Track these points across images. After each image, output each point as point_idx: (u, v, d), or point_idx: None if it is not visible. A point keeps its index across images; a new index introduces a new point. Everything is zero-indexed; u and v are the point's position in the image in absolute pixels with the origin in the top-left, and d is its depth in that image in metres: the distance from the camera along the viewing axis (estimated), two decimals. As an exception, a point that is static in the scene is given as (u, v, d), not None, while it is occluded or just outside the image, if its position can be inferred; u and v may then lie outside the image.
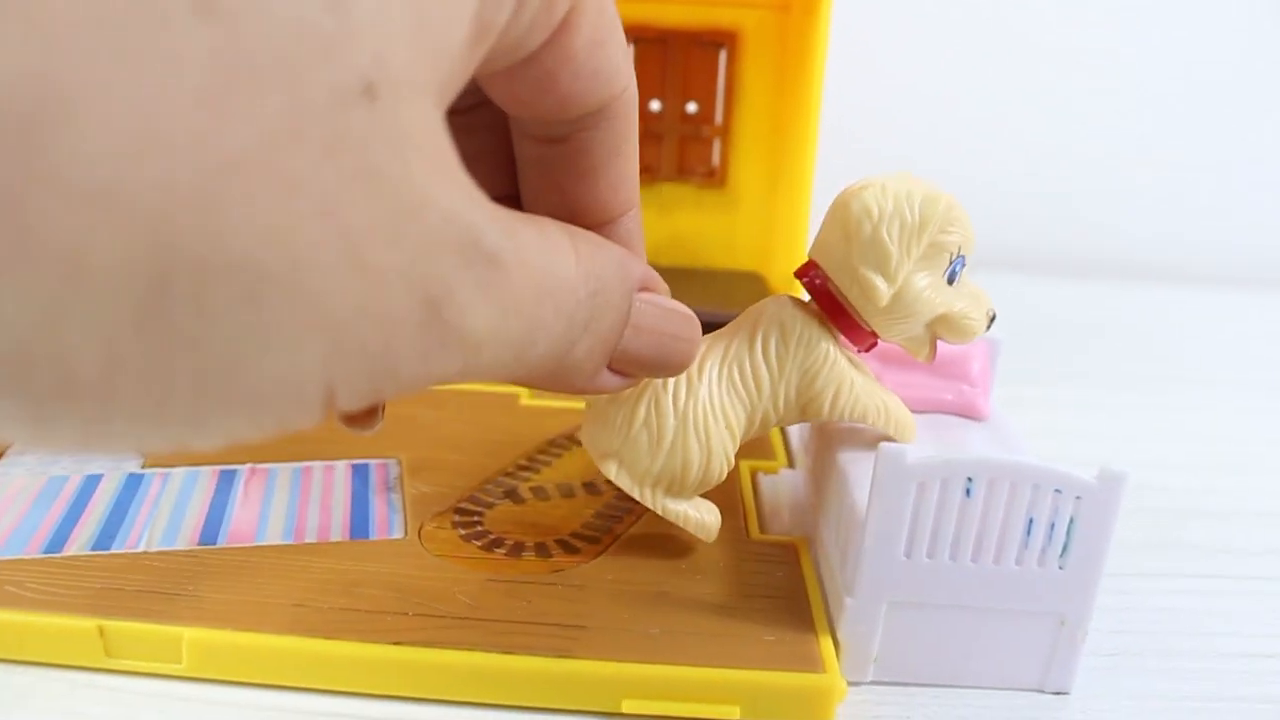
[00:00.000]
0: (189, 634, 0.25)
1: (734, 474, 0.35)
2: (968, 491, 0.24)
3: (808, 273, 0.27)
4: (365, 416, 0.22)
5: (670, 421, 0.27)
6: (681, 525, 0.29)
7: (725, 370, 0.27)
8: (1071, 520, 0.25)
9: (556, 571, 0.29)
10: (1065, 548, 0.25)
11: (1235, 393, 0.53)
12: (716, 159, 0.50)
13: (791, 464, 0.37)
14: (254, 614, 0.26)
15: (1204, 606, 0.32)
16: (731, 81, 0.47)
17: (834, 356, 0.27)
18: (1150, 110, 0.74)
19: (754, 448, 0.38)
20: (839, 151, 0.52)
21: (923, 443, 0.30)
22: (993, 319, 0.28)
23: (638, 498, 0.28)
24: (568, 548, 0.30)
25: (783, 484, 0.35)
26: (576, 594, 0.28)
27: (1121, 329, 0.64)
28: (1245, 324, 0.66)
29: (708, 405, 0.27)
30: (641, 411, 0.27)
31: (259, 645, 0.25)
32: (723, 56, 0.47)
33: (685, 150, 0.50)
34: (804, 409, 0.28)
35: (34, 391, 0.13)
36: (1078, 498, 0.24)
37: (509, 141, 0.26)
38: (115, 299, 0.13)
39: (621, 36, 0.23)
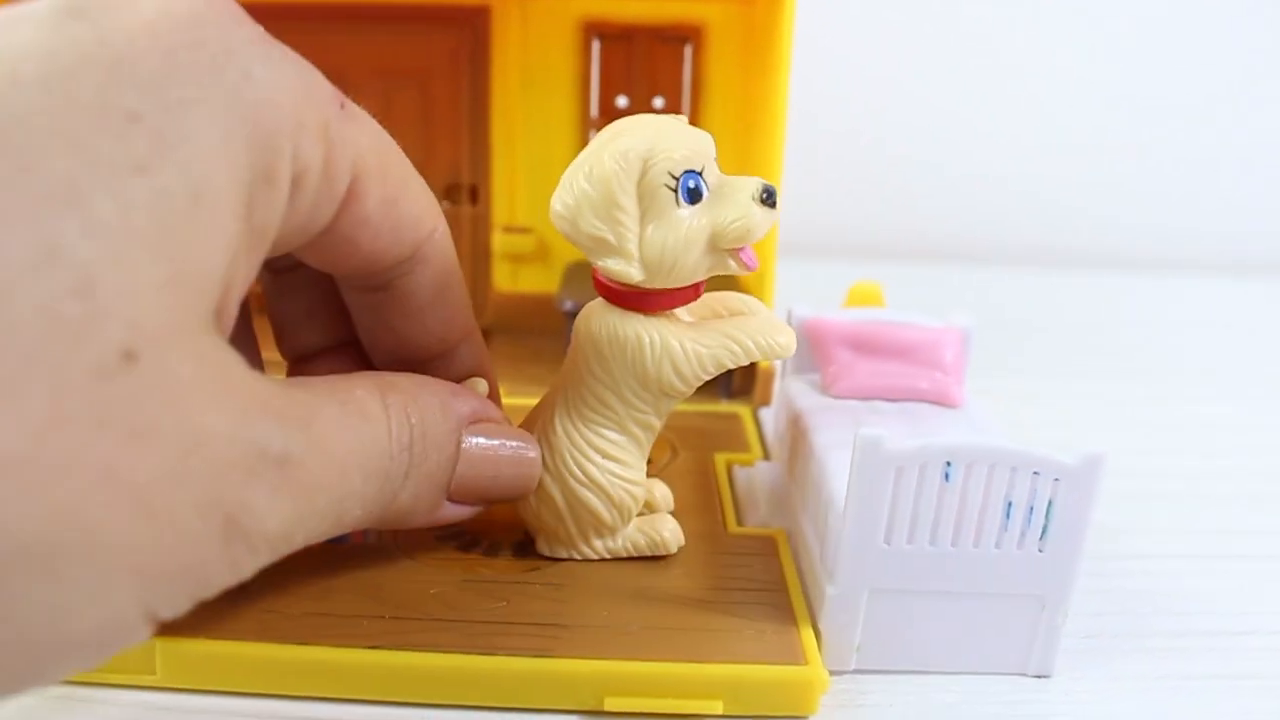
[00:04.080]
0: (161, 644, 0.25)
1: (710, 468, 0.35)
2: (946, 476, 0.24)
3: (594, 274, 0.27)
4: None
5: (552, 485, 0.27)
6: (639, 554, 0.29)
7: (571, 410, 0.27)
8: (1050, 503, 0.25)
9: (534, 570, 0.28)
10: (1045, 530, 0.25)
11: (1202, 379, 0.53)
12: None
13: (767, 456, 0.37)
14: (227, 622, 0.25)
15: (1178, 587, 0.32)
16: (698, 76, 0.47)
17: (646, 335, 0.26)
18: (1120, 98, 0.75)
19: (729, 441, 0.38)
20: (808, 144, 0.52)
21: (898, 430, 0.30)
22: (768, 195, 0.25)
23: (582, 558, 0.29)
24: (545, 546, 0.30)
25: (758, 476, 0.35)
26: (555, 592, 0.27)
27: (1088, 319, 0.64)
28: (1209, 312, 0.67)
29: (573, 453, 0.27)
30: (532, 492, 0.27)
31: (233, 653, 0.25)
32: (688, 51, 0.47)
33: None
34: (665, 393, 0.27)
35: None
36: (1056, 480, 0.24)
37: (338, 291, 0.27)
38: None
39: (418, 185, 0.24)
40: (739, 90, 0.47)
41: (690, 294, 0.27)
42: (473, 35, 0.45)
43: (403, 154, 0.24)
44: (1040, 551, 0.25)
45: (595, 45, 0.47)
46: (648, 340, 0.26)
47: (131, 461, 0.15)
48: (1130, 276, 0.72)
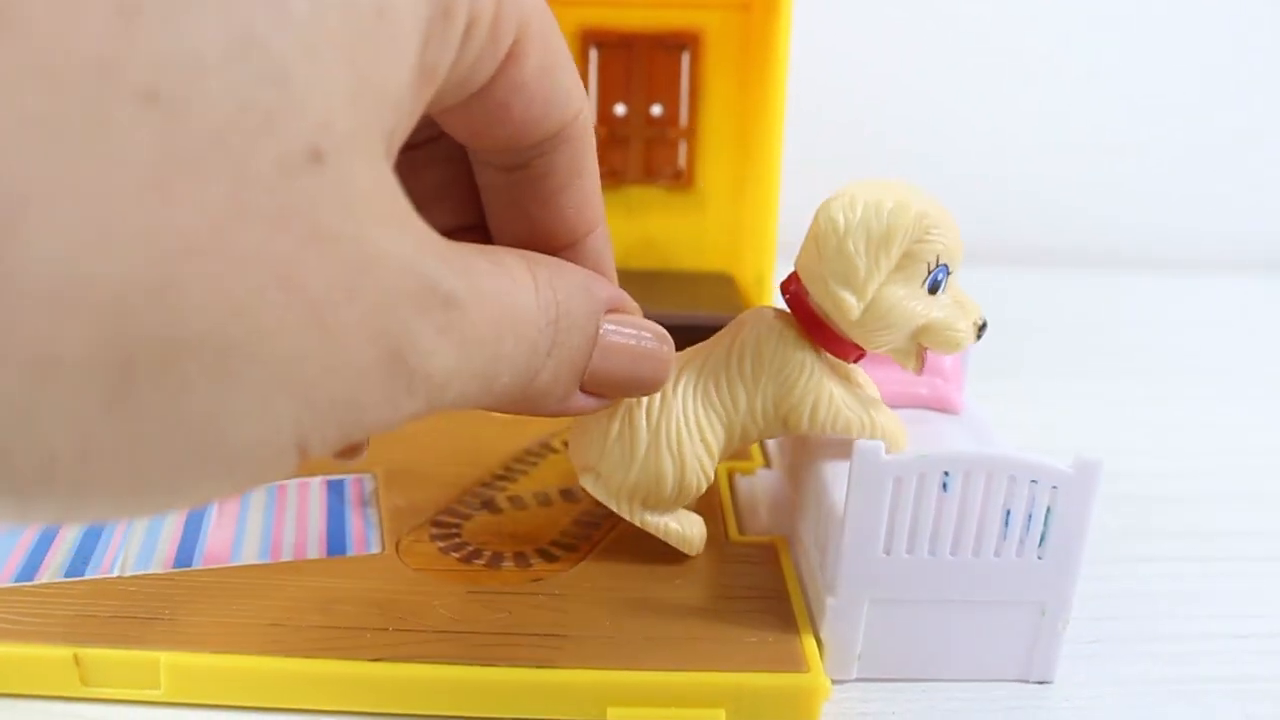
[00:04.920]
0: (166, 658, 0.25)
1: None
2: (944, 485, 0.24)
3: (789, 286, 0.27)
4: (350, 450, 0.22)
5: (643, 436, 0.27)
6: (662, 538, 0.29)
7: (700, 385, 0.27)
8: (1049, 510, 0.25)
9: (536, 581, 0.28)
10: (1043, 537, 0.25)
11: (1204, 378, 0.53)
12: (683, 161, 0.50)
13: (768, 464, 0.37)
14: (232, 635, 0.26)
15: (1179, 590, 0.32)
16: (695, 83, 0.47)
17: (810, 367, 0.27)
18: (1120, 97, 0.75)
19: (730, 448, 0.38)
20: (806, 150, 0.53)
21: (898, 438, 0.30)
22: (982, 328, 0.27)
23: (615, 510, 0.28)
24: (547, 556, 0.30)
25: (759, 484, 0.35)
26: (557, 603, 0.27)
27: (1088, 319, 0.64)
28: (1210, 311, 0.67)
29: (681, 420, 0.27)
30: (615, 426, 0.27)
31: (238, 667, 0.25)
32: (685, 58, 0.47)
33: (651, 153, 0.50)
34: (784, 421, 0.27)
35: (13, 478, 0.14)
36: (1054, 487, 0.24)
37: (470, 171, 0.26)
38: (85, 388, 0.13)
39: (570, 61, 0.23)
40: (737, 96, 0.47)
41: (856, 355, 0.28)
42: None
43: (559, 29, 0.23)
44: (1039, 559, 0.25)
45: (593, 54, 0.47)
46: (810, 371, 0.27)
47: (309, 267, 0.15)
48: (1130, 276, 0.72)
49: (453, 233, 0.27)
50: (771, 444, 0.38)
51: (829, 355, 0.27)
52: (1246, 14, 0.72)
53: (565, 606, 0.27)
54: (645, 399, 0.27)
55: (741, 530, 0.32)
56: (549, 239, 0.26)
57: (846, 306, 0.25)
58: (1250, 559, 0.34)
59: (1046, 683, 0.27)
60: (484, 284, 0.19)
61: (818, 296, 0.26)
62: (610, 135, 0.48)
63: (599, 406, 0.25)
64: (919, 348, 0.27)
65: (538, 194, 0.25)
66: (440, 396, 0.18)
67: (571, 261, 0.25)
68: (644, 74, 0.47)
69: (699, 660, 0.25)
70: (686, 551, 0.29)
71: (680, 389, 0.27)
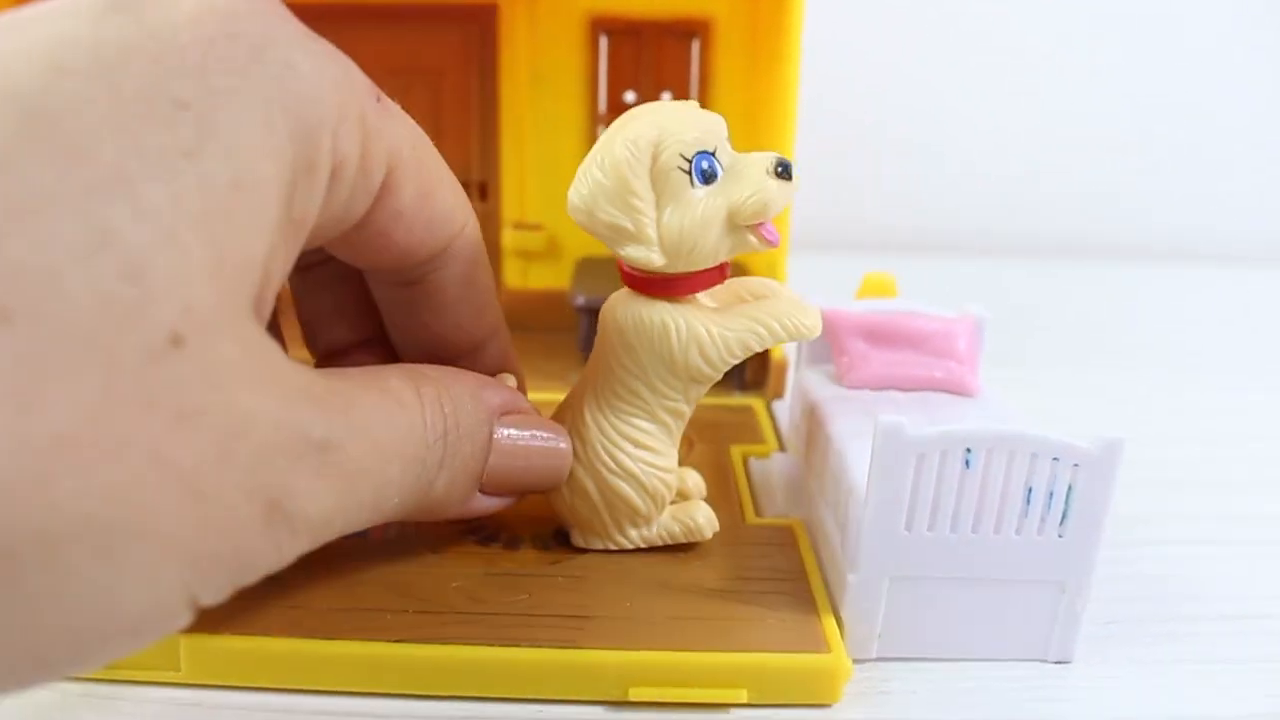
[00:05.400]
0: (186, 640, 0.25)
1: (727, 460, 0.35)
2: (967, 463, 0.24)
3: (618, 264, 0.27)
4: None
5: (585, 476, 0.27)
6: (672, 541, 0.29)
7: (602, 400, 0.27)
8: (1070, 488, 0.25)
9: (555, 563, 0.28)
10: (1064, 516, 0.25)
11: (1218, 367, 0.53)
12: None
13: (782, 447, 0.37)
14: (252, 617, 0.26)
15: (1196, 572, 0.32)
16: (705, 71, 0.47)
17: (672, 321, 0.26)
18: (1133, 89, 0.75)
19: (744, 433, 0.38)
20: (818, 137, 0.52)
21: (915, 419, 0.30)
22: (783, 168, 0.25)
23: (617, 548, 0.29)
24: (565, 538, 0.30)
25: (774, 467, 0.35)
26: (577, 584, 0.27)
27: (1100, 309, 0.64)
28: (1223, 300, 0.67)
29: (605, 442, 0.27)
30: (564, 485, 0.28)
31: (258, 648, 0.25)
32: (695, 46, 0.47)
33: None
34: (691, 379, 0.27)
35: None
36: (1076, 465, 0.24)
37: (368, 287, 0.27)
38: None
39: (450, 179, 0.24)
40: (747, 84, 0.47)
41: (715, 276, 0.26)
42: (480, 33, 0.45)
43: (435, 149, 0.24)
44: (1060, 537, 0.25)
45: (603, 41, 0.47)
46: (674, 326, 0.26)
47: (179, 444, 0.16)
48: (1142, 266, 0.72)
49: (355, 346, 0.29)
50: (786, 428, 0.38)
51: (687, 301, 0.26)
52: (1266, 4, 0.72)
53: (585, 588, 0.27)
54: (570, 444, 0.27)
55: (759, 513, 0.32)
56: (448, 346, 0.27)
57: (644, 260, 0.25)
58: (1268, 542, 0.34)
59: (1065, 662, 0.27)
60: (364, 417, 0.20)
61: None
62: (620, 123, 0.48)
63: (504, 505, 0.26)
64: (745, 231, 0.25)
65: (432, 307, 0.26)
66: (327, 531, 0.20)
67: (471, 366, 0.27)
68: (653, 61, 0.47)
69: (720, 641, 0.25)
70: (700, 539, 0.29)
71: (588, 414, 0.27)
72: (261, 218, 0.18)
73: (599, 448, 0.27)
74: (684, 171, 0.24)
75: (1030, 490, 0.25)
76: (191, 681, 0.25)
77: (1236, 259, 0.75)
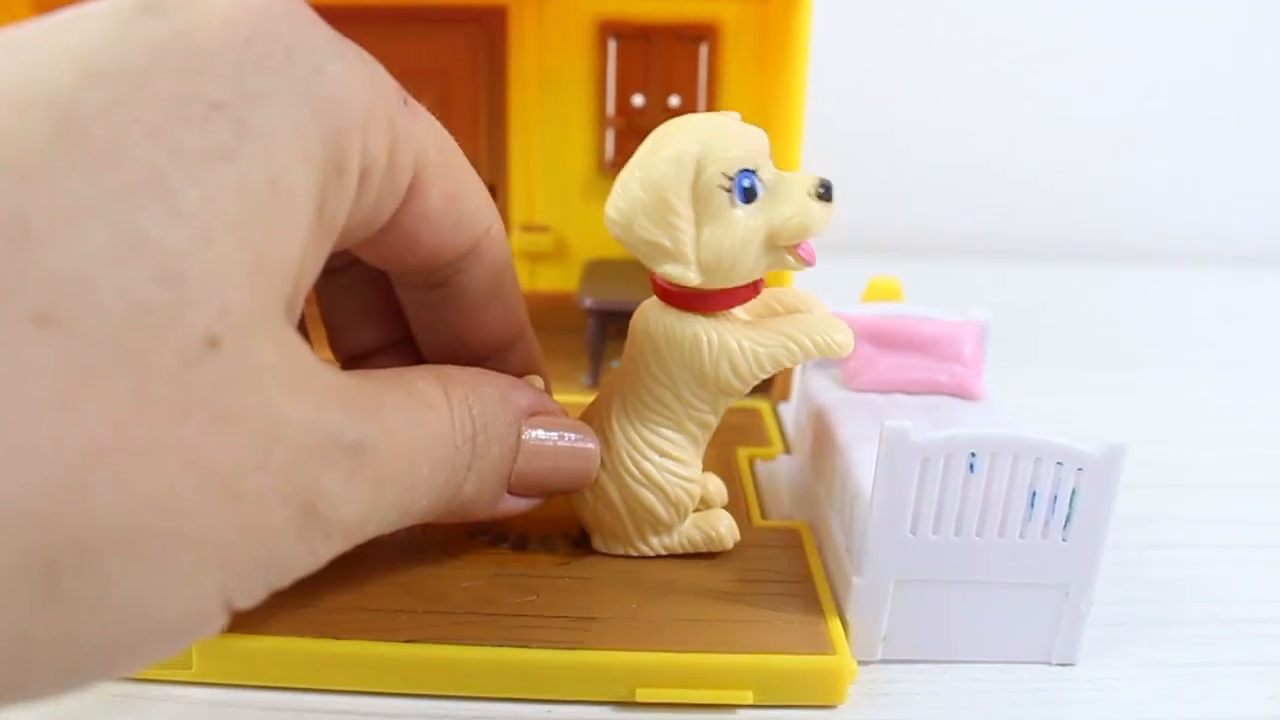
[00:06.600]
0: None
1: (733, 462, 0.35)
2: (971, 467, 0.25)
3: (651, 275, 0.26)
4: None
5: (609, 485, 0.28)
6: (693, 550, 0.29)
7: (630, 409, 0.27)
8: (1074, 492, 0.25)
9: (563, 565, 0.29)
10: (1068, 519, 0.25)
11: (1222, 370, 0.53)
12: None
13: (788, 450, 0.37)
14: (263, 616, 0.26)
15: (1201, 575, 0.32)
16: (714, 74, 0.47)
17: (704, 335, 0.26)
18: (1137, 91, 0.74)
19: (750, 436, 0.38)
20: (824, 141, 0.53)
21: (921, 423, 0.30)
22: (824, 190, 0.25)
23: (638, 555, 0.29)
24: (573, 540, 0.30)
25: (780, 470, 0.35)
26: (585, 586, 0.28)
27: (1104, 312, 0.64)
28: (1227, 303, 0.67)
29: (632, 451, 0.27)
30: (588, 489, 0.28)
31: (269, 648, 0.25)
32: (704, 50, 0.47)
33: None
34: (720, 391, 0.27)
35: None
36: (1079, 469, 0.25)
37: (394, 290, 0.27)
38: (16, 594, 0.14)
39: (476, 181, 0.25)
40: (755, 88, 0.47)
41: (748, 293, 0.26)
42: (489, 36, 0.45)
43: (460, 151, 0.24)
44: (1064, 541, 0.25)
45: (611, 44, 0.47)
46: (705, 340, 0.26)
47: (215, 447, 0.16)
48: (1147, 269, 0.72)
49: (381, 349, 0.29)
50: (791, 430, 0.38)
51: (719, 314, 0.26)
52: (1245, 9, 0.72)
53: (593, 589, 0.27)
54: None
55: (764, 515, 0.32)
56: (474, 349, 0.27)
57: (681, 278, 0.24)
58: (1272, 546, 0.34)
59: (1069, 665, 0.27)
60: (394, 420, 0.20)
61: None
62: (628, 126, 0.48)
63: (530, 506, 0.26)
64: (782, 251, 0.25)
65: (459, 309, 0.26)
66: (360, 533, 0.20)
67: (497, 368, 0.27)
68: (662, 65, 0.47)
69: (726, 642, 0.25)
70: (721, 549, 0.29)
71: (615, 422, 0.27)
72: (295, 220, 0.18)
73: (625, 456, 0.27)
74: (726, 190, 0.24)
75: (1034, 494, 0.25)
76: (203, 680, 0.25)
77: (1244, 260, 0.75)
